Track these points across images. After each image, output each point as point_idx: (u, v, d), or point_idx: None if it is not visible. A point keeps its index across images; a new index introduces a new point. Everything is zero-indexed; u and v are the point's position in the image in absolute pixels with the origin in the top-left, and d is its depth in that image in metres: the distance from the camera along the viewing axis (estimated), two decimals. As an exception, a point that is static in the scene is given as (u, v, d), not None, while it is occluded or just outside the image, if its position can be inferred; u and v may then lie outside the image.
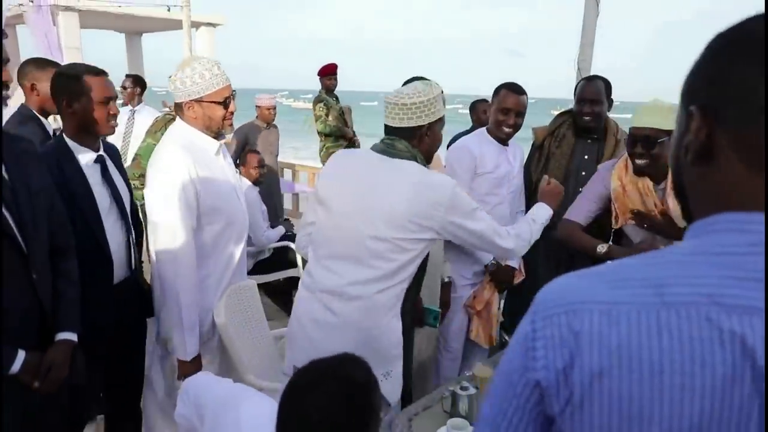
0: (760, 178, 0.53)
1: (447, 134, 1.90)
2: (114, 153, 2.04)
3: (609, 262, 0.61)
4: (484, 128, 2.63)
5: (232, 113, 2.03)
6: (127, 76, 5.00)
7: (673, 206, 2.08)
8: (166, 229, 1.89)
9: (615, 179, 2.20)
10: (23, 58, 2.72)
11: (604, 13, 3.60)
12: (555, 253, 2.09)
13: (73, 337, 1.61)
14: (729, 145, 0.55)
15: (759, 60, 0.53)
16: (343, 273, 1.70)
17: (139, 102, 4.87)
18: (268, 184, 4.97)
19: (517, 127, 2.51)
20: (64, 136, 1.87)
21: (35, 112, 2.42)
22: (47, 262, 1.58)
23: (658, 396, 0.52)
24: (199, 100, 1.95)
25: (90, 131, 1.87)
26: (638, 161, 2.06)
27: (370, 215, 1.66)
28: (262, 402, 1.26)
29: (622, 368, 0.53)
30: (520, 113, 2.48)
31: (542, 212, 2.06)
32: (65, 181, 1.79)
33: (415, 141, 1.72)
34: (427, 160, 1.77)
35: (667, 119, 2.01)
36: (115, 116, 1.90)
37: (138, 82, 4.90)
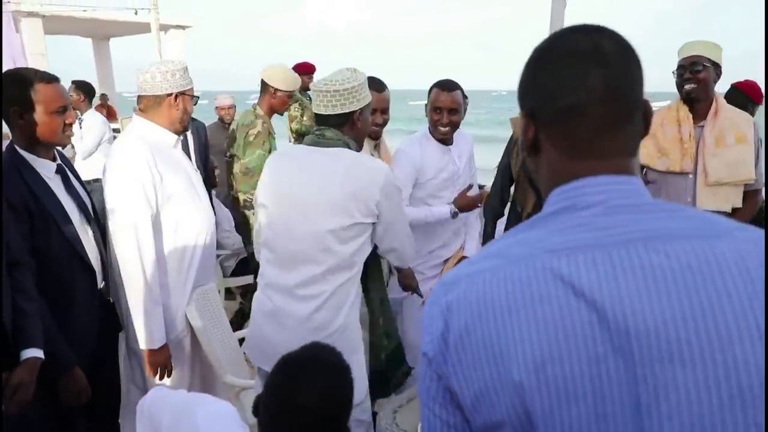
0: (569, 161, 0.67)
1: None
2: (65, 159, 1.98)
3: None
4: (427, 130, 2.48)
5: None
6: (72, 82, 4.97)
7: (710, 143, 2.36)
8: (125, 213, 1.88)
9: None
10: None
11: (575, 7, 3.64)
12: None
13: (39, 353, 1.53)
14: (545, 138, 0.69)
15: (551, 70, 0.67)
16: (292, 273, 1.72)
17: (87, 109, 4.89)
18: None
19: (453, 125, 2.39)
20: (17, 148, 1.74)
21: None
22: (6, 277, 1.51)
23: (511, 333, 0.61)
24: (183, 93, 2.01)
25: (43, 142, 1.76)
26: (687, 86, 2.33)
27: (310, 210, 1.68)
28: (217, 406, 1.27)
29: (481, 318, 0.63)
30: (454, 110, 2.36)
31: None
32: (35, 197, 1.71)
33: (346, 128, 1.74)
34: (359, 145, 1.82)
35: (708, 50, 2.30)
36: (71, 125, 1.81)
37: (82, 89, 4.93)
